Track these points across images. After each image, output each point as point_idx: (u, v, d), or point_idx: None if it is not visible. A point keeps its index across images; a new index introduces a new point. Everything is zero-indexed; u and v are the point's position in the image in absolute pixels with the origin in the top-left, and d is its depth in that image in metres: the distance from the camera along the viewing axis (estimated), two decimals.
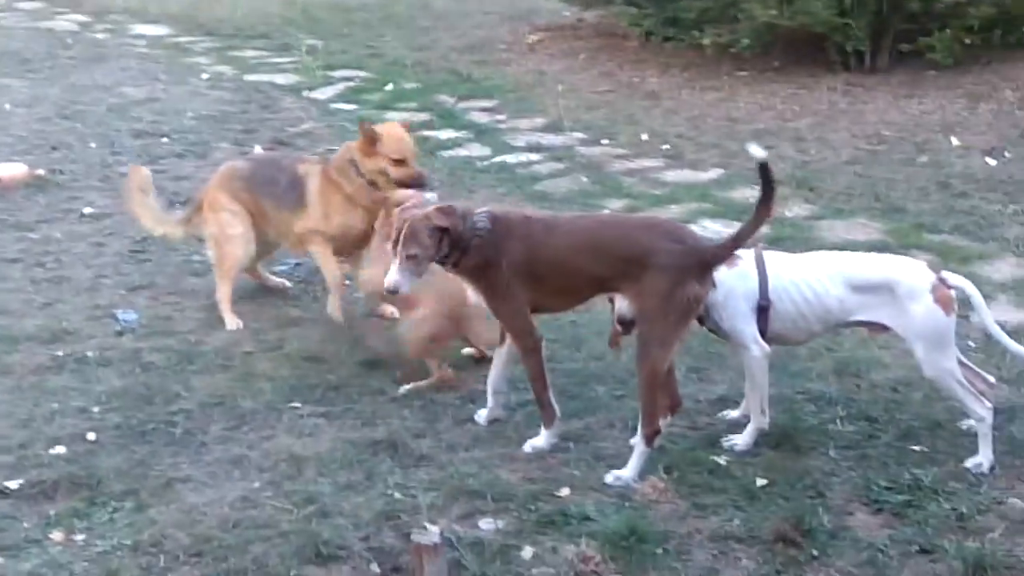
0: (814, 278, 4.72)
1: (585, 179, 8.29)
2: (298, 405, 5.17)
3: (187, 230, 6.36)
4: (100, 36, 13.26)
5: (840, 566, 4.03)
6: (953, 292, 4.65)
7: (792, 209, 7.58)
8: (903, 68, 10.61)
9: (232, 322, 6.05)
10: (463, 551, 4.08)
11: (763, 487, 4.48)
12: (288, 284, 6.56)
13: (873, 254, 5.11)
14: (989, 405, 4.64)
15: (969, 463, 4.60)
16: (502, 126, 9.68)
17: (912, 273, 4.68)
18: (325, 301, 6.18)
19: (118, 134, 9.31)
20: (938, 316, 4.59)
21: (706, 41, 10.77)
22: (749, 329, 4.70)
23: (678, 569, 4.02)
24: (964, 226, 7.25)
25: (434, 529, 4.03)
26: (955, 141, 8.85)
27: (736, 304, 4.70)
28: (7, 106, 10.10)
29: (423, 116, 9.90)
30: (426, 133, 9.38)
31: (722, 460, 4.66)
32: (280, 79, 11.25)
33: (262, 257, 6.45)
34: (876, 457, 4.69)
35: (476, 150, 9.01)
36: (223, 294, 6.12)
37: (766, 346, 4.70)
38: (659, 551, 4.10)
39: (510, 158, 8.76)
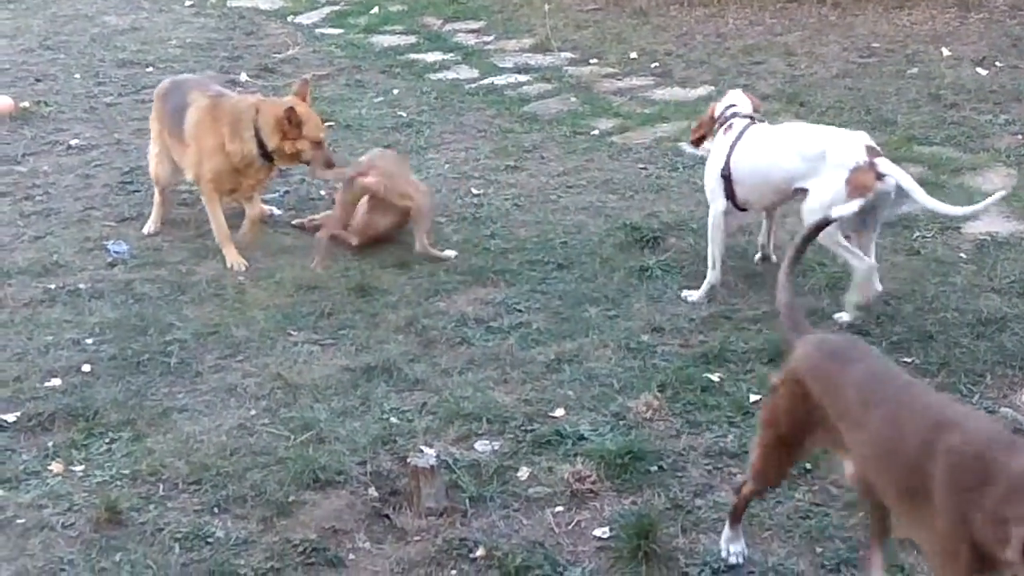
0: (771, 151, 5.28)
1: (574, 99, 8.24)
2: (292, 333, 5.18)
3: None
4: None
5: (833, 479, 4.06)
6: (879, 179, 4.96)
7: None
8: None
9: (149, 226, 6.26)
10: (460, 473, 4.11)
11: (756, 403, 4.50)
12: (276, 211, 6.53)
13: (824, 127, 5.51)
14: (869, 262, 5.09)
15: (837, 316, 5.10)
16: (489, 47, 9.60)
17: (844, 148, 5.06)
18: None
19: (103, 64, 9.22)
20: (841, 192, 4.90)
21: None
22: (714, 192, 5.43)
23: (673, 486, 4.06)
24: (955, 137, 7.23)
25: (430, 452, 4.07)
26: (945, 52, 8.79)
27: (709, 171, 5.47)
28: None
29: (410, 39, 9.82)
30: (413, 56, 9.31)
31: (715, 377, 4.69)
32: (264, 4, 11.12)
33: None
34: None
35: (464, 72, 8.95)
36: (155, 199, 6.30)
37: (721, 206, 5.40)
38: (654, 468, 4.14)
39: (498, 80, 8.70)
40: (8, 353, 5.04)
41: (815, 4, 10.10)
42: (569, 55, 9.22)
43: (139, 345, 5.08)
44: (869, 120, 7.52)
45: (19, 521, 3.96)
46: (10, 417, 4.54)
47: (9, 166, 7.22)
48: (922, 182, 6.42)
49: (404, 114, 8.00)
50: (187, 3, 11.18)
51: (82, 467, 4.24)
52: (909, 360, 4.76)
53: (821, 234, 4.38)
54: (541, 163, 7.11)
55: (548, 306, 5.35)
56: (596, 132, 7.60)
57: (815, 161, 5.09)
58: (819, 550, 3.74)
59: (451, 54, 9.42)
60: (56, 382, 4.80)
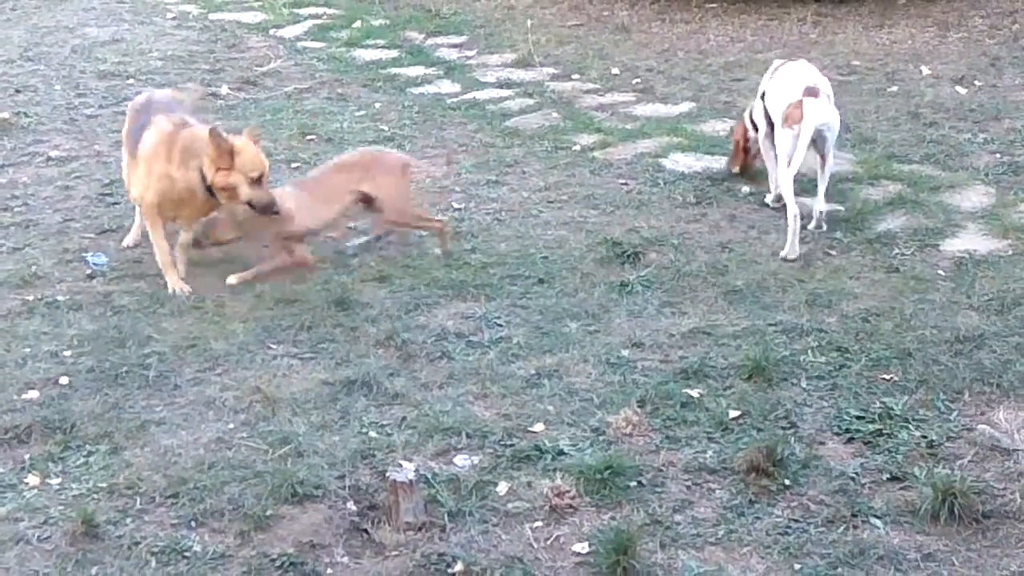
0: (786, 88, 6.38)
1: (556, 114, 8.25)
2: (271, 346, 5.16)
3: None
4: None
5: (812, 495, 4.08)
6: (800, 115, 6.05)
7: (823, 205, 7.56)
8: None
9: (128, 239, 6.18)
10: (438, 488, 4.11)
11: (735, 419, 4.51)
12: None
13: (802, 69, 6.56)
14: (796, 210, 5.99)
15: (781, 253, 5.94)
16: (472, 62, 9.60)
17: (787, 87, 6.34)
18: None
19: (83, 76, 9.19)
20: (780, 124, 6.22)
21: None
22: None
23: (652, 501, 4.06)
24: (934, 155, 7.26)
25: (409, 466, 4.06)
26: (925, 70, 8.84)
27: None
28: None
29: (392, 53, 9.82)
30: (395, 70, 9.31)
31: (695, 393, 4.70)
32: (246, 17, 11.11)
33: None
34: (847, 387, 4.73)
35: (446, 87, 8.95)
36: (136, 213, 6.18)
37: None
38: (633, 484, 4.14)
39: (480, 94, 8.70)
40: None
41: (796, 22, 10.15)
42: (551, 70, 9.23)
43: (117, 358, 5.05)
44: (849, 137, 7.55)
45: None
46: None
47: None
48: (901, 200, 6.53)
49: (386, 128, 7.99)
50: (169, 16, 11.16)
51: (59, 480, 4.22)
52: (888, 377, 4.78)
53: (769, 164, 6.44)
54: (522, 178, 7.11)
55: (528, 321, 5.35)
56: (577, 147, 7.61)
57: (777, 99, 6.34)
58: (798, 566, 3.75)
59: (433, 68, 9.42)
60: (33, 394, 4.77)
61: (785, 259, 5.90)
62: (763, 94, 6.61)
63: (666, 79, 8.97)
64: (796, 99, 6.16)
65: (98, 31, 10.53)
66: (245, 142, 5.59)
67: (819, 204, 6.24)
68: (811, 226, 6.19)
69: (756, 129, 6.73)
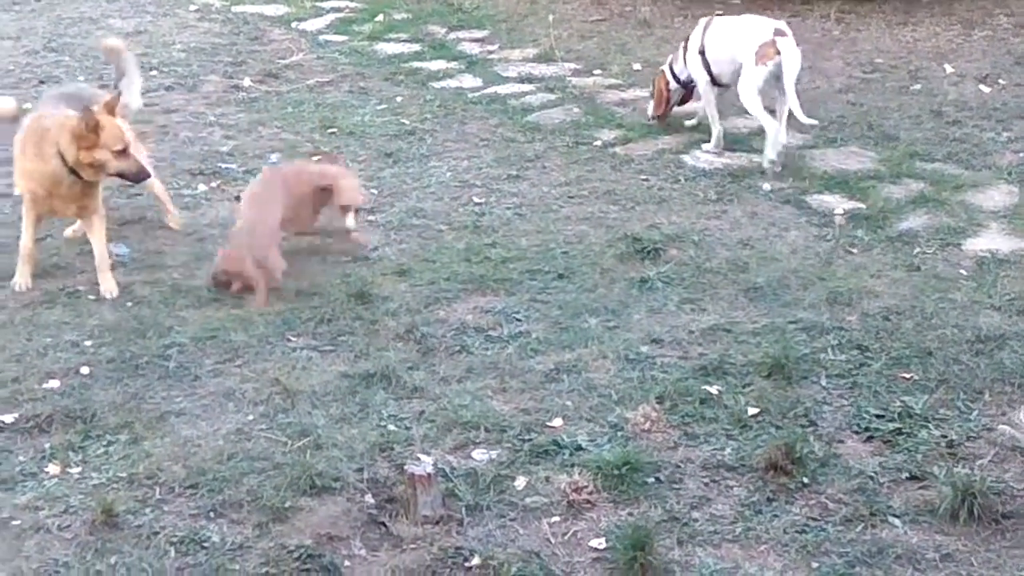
0: (723, 42, 7.25)
1: (577, 110, 8.24)
2: (291, 338, 5.17)
3: None
4: None
5: (831, 493, 4.07)
6: (777, 56, 6.89)
7: (785, 138, 7.54)
8: None
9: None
10: (456, 481, 4.11)
11: (754, 416, 4.51)
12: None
13: (751, 19, 7.37)
14: (776, 123, 6.97)
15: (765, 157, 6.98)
16: (493, 57, 9.59)
17: (756, 30, 7.07)
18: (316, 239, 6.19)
19: (106, 67, 9.16)
20: (752, 63, 6.98)
21: None
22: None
23: (670, 498, 4.06)
24: (957, 154, 7.23)
25: (427, 460, 4.06)
26: (949, 68, 8.80)
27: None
28: None
29: (414, 47, 9.82)
30: (417, 64, 9.31)
31: (713, 390, 4.69)
32: (269, 10, 11.12)
33: None
34: (867, 385, 4.72)
35: (468, 81, 8.94)
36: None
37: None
38: (651, 480, 4.14)
39: (502, 89, 8.70)
40: (7, 354, 5.04)
41: (819, 19, 10.11)
42: (573, 66, 9.22)
43: (137, 348, 5.08)
44: (872, 136, 7.53)
45: (15, 523, 3.96)
46: (8, 418, 4.54)
47: (9, 167, 7.20)
48: (924, 198, 6.51)
49: (407, 122, 8.00)
50: (192, 8, 11.19)
51: (79, 469, 4.24)
52: (908, 376, 4.76)
53: (745, 99, 7.08)
54: (543, 173, 7.11)
55: (548, 316, 5.35)
56: (599, 143, 7.60)
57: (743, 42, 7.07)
58: (815, 565, 3.74)
59: (455, 63, 9.41)
60: (54, 384, 4.80)
61: (771, 162, 6.93)
62: (702, 49, 7.32)
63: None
64: (768, 39, 6.93)
65: (122, 22, 10.56)
66: (107, 119, 5.55)
67: (781, 135, 7.02)
68: (766, 164, 7.00)
69: (677, 81, 7.54)
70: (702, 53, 7.34)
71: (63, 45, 9.81)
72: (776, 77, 6.91)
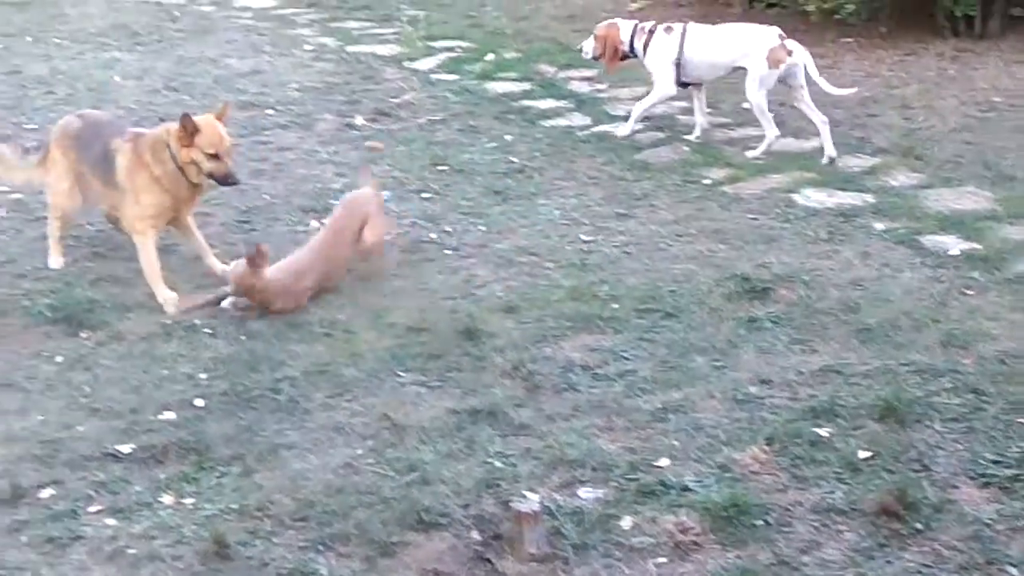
0: (715, 48, 8.01)
1: (686, 148, 8.23)
2: (400, 374, 5.22)
3: (40, 175, 6.58)
4: (206, 9, 13.42)
5: (945, 541, 3.97)
6: (791, 55, 7.68)
7: (897, 178, 7.45)
8: (1014, 33, 10.33)
9: (56, 261, 6.49)
10: (562, 519, 4.11)
11: (866, 459, 4.43)
12: None
13: (745, 26, 8.18)
14: (776, 131, 7.91)
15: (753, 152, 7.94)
16: (602, 95, 9.61)
17: (763, 37, 7.78)
18: (423, 270, 6.25)
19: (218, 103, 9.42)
20: (764, 67, 7.71)
21: (810, 7, 10.57)
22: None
23: (779, 541, 4.00)
24: None
25: (534, 497, 4.07)
26: None
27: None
28: (117, 78, 10.29)
29: (524, 86, 9.89)
30: (527, 103, 9.38)
31: (824, 432, 4.62)
32: (382, 50, 11.29)
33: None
34: (983, 430, 4.61)
35: (577, 120, 8.98)
36: (51, 232, 6.54)
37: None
38: (760, 523, 4.09)
39: (611, 127, 8.72)
40: (125, 385, 5.17)
41: (934, 57, 9.97)
42: (682, 104, 9.20)
43: (250, 381, 5.17)
44: (988, 175, 7.39)
45: (130, 551, 4.05)
46: (125, 448, 4.65)
47: None
48: None
49: (516, 160, 8.06)
50: (307, 48, 11.41)
51: (192, 500, 4.33)
52: None
53: (756, 101, 7.84)
54: (651, 211, 7.10)
55: (655, 354, 5.33)
56: (708, 181, 7.57)
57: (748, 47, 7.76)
58: None
59: (564, 101, 9.46)
60: (170, 415, 4.91)
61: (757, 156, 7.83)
62: (679, 61, 8.04)
63: (799, 114, 8.86)
64: (776, 43, 7.69)
65: (239, 62, 10.81)
66: (208, 122, 6.05)
67: (820, 121, 7.88)
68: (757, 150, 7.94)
69: (629, 51, 8.29)
70: (678, 64, 8.06)
71: (183, 84, 10.06)
72: (787, 77, 7.73)
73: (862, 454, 4.46)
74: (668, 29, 8.15)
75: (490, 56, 10.87)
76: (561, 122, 8.92)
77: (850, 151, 7.90)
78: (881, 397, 4.79)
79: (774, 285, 5.95)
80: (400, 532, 4.08)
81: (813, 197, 7.20)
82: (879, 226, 6.73)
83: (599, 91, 9.72)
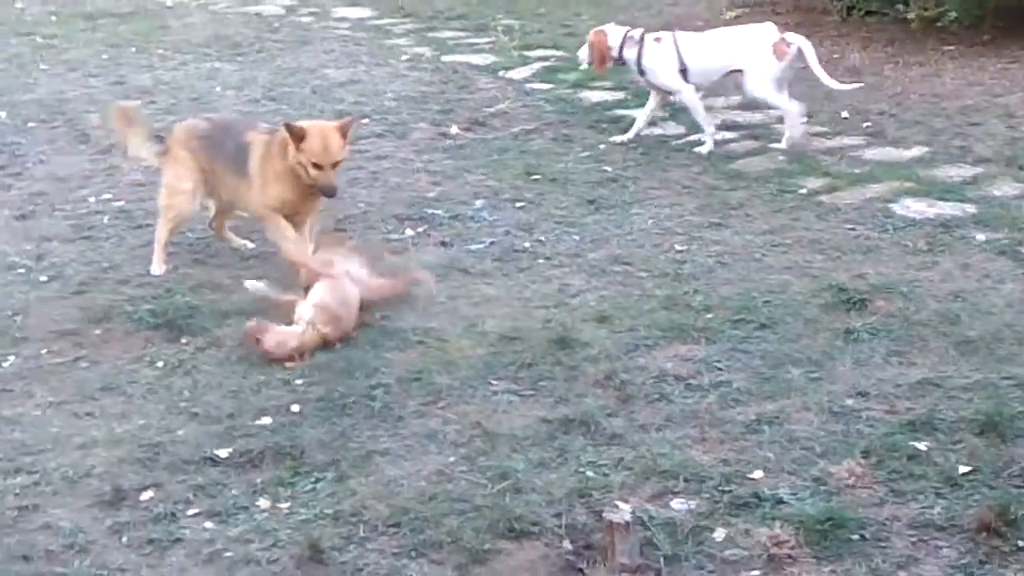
0: (713, 53, 8.26)
1: (782, 157, 8.15)
2: (492, 382, 5.24)
3: (156, 163, 6.79)
4: (305, 19, 13.64)
5: None
6: (791, 46, 7.94)
7: (1000, 188, 7.30)
8: None
9: (158, 268, 6.61)
10: (655, 530, 4.09)
11: (965, 475, 4.35)
12: (250, 245, 6.90)
13: (739, 28, 8.57)
14: (798, 105, 8.13)
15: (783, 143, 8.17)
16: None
17: (763, 33, 8.09)
18: (517, 279, 6.27)
19: (322, 115, 9.52)
20: (771, 59, 7.99)
21: (911, 15, 10.44)
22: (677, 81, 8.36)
23: (876, 556, 3.95)
24: None
25: (626, 508, 4.05)
26: None
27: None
28: (218, 88, 10.50)
29: (618, 95, 9.88)
30: (620, 112, 9.36)
31: (922, 446, 4.55)
32: (477, 59, 11.37)
33: (226, 217, 6.93)
34: None
35: (671, 129, 8.95)
36: (160, 237, 6.66)
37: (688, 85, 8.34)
38: (855, 537, 4.03)
39: (705, 136, 8.66)
40: (223, 390, 5.26)
41: None
42: (778, 113, 9.12)
43: (345, 388, 5.22)
44: None
45: (227, 554, 4.11)
46: (223, 452, 4.73)
47: None
48: None
49: (609, 169, 8.05)
50: (403, 58, 11.53)
51: (288, 504, 4.38)
52: None
53: (764, 91, 8.07)
54: (746, 221, 7.05)
55: (749, 365, 5.29)
56: (804, 191, 7.49)
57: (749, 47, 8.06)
58: None
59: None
60: (267, 420, 4.98)
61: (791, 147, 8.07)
62: (683, 67, 8.23)
63: (898, 123, 8.76)
64: (777, 37, 7.99)
65: (337, 72, 10.96)
66: (318, 130, 6.18)
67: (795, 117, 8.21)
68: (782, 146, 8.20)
69: (618, 57, 8.43)
70: (683, 71, 8.25)
71: (282, 94, 10.23)
72: (792, 68, 8.05)
73: (962, 469, 4.38)
74: (657, 40, 8.33)
75: (584, 65, 10.86)
76: (655, 131, 8.89)
77: (951, 160, 7.76)
78: (981, 411, 4.70)
79: (871, 296, 5.86)
80: (492, 540, 4.10)
81: (912, 207, 7.09)
82: (980, 237, 6.60)
83: None
